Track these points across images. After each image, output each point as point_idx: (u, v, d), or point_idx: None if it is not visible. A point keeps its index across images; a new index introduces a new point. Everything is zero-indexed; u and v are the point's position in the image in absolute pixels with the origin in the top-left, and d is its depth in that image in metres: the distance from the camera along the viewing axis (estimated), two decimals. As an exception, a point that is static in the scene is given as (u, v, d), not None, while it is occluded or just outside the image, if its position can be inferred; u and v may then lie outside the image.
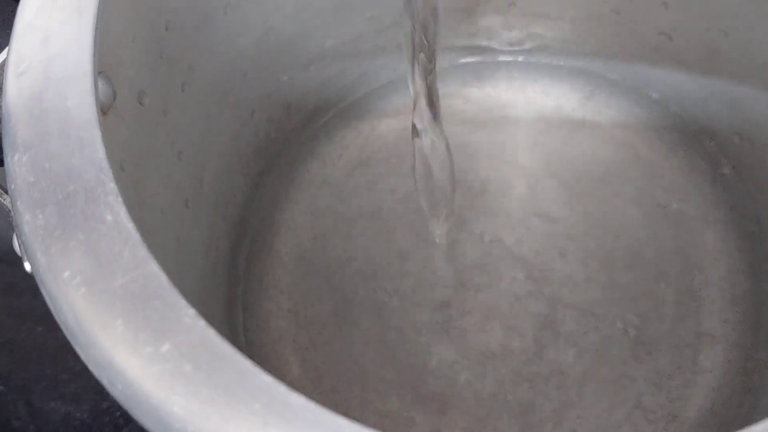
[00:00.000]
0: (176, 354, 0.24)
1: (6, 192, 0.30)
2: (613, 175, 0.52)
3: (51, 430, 0.49)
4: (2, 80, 0.30)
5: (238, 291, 0.50)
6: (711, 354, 0.47)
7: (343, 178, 0.53)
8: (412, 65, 0.41)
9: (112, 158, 0.29)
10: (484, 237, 0.50)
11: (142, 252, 0.26)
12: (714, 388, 0.46)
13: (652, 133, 0.53)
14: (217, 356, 0.24)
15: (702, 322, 0.48)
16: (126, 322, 0.25)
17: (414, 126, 0.44)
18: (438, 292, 0.49)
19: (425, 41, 0.40)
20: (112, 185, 0.26)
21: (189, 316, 0.25)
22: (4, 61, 0.30)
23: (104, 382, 0.25)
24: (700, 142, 0.52)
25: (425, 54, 0.41)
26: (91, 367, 0.25)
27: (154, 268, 0.25)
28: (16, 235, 0.27)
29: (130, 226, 0.26)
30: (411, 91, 0.43)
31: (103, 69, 0.32)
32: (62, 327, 0.25)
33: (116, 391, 0.25)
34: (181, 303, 0.25)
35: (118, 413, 0.49)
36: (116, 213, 0.26)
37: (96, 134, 0.28)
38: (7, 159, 0.28)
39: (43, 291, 0.26)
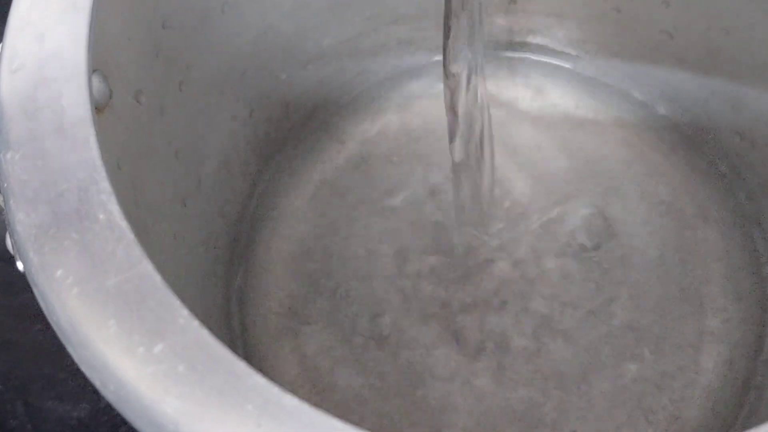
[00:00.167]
0: (170, 355, 0.24)
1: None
2: (614, 174, 0.52)
3: (48, 429, 0.49)
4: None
5: (237, 290, 0.50)
6: (713, 353, 0.47)
7: (342, 177, 0.53)
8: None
9: (108, 157, 0.29)
10: (483, 235, 0.50)
11: (136, 251, 0.25)
12: (716, 388, 0.46)
13: (653, 132, 0.53)
14: (210, 357, 0.24)
15: (704, 322, 0.47)
16: (119, 323, 0.25)
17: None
18: (438, 291, 0.49)
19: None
20: (105, 184, 0.26)
21: (183, 316, 0.24)
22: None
23: (97, 383, 0.25)
24: (700, 141, 0.52)
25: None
26: (84, 368, 0.25)
27: (147, 267, 0.25)
28: (9, 233, 0.27)
29: (123, 224, 0.26)
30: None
31: (99, 67, 0.32)
32: (54, 327, 0.25)
33: (109, 392, 0.24)
34: (175, 303, 0.25)
35: (116, 413, 0.49)
36: (109, 212, 0.26)
37: (90, 132, 0.27)
38: (0, 157, 0.27)
39: (35, 290, 0.26)
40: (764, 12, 0.44)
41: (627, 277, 0.49)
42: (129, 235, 0.26)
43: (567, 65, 0.54)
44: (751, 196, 0.50)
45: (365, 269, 0.50)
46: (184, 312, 0.24)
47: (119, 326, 0.24)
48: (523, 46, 0.55)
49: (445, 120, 0.53)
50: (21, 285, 0.27)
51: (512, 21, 0.53)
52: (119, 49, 0.34)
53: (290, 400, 0.23)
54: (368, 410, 0.46)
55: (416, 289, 0.49)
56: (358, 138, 0.54)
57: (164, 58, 0.39)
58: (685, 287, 0.48)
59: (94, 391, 0.49)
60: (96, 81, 0.31)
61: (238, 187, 0.50)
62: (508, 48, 0.55)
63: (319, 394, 0.47)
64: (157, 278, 0.25)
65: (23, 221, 0.26)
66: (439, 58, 0.54)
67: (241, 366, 0.24)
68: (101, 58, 0.32)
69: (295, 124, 0.53)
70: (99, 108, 0.31)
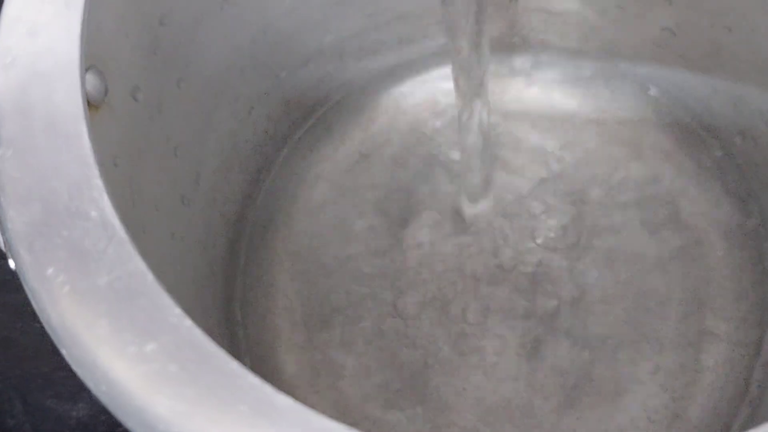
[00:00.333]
0: (161, 354, 0.24)
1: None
2: (615, 172, 0.51)
3: (47, 428, 0.49)
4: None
5: (236, 288, 0.50)
6: (714, 353, 0.46)
7: (342, 175, 0.53)
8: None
9: (104, 154, 0.29)
10: (482, 233, 0.50)
11: (128, 249, 0.25)
12: (717, 387, 0.46)
13: (656, 130, 0.53)
14: (202, 356, 0.24)
15: (705, 321, 0.47)
16: (110, 322, 0.24)
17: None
18: (438, 290, 0.49)
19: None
20: (97, 181, 0.26)
21: (174, 315, 0.24)
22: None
23: (88, 382, 0.24)
24: (703, 139, 0.52)
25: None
26: (75, 368, 0.24)
27: (139, 265, 0.25)
28: (0, 231, 0.27)
29: (115, 222, 0.26)
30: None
31: (95, 63, 0.31)
32: (46, 326, 0.25)
33: (101, 392, 0.24)
34: (167, 302, 0.24)
35: (114, 412, 0.49)
36: (101, 209, 0.26)
37: (83, 129, 0.27)
38: (-9, 154, 0.27)
39: (26, 289, 0.26)
40: (766, 10, 0.44)
41: (627, 277, 0.48)
42: (121, 233, 0.25)
43: (568, 63, 0.54)
44: (752, 195, 0.50)
45: (366, 268, 0.50)
46: (176, 311, 0.24)
47: (110, 325, 0.24)
48: (524, 43, 0.54)
49: (447, 118, 0.53)
50: (19, 282, 0.27)
51: (513, 18, 0.53)
52: (115, 45, 0.34)
53: (283, 400, 0.23)
54: (368, 409, 0.46)
55: (416, 288, 0.49)
56: (359, 136, 0.54)
57: (162, 55, 0.39)
58: (685, 287, 0.48)
59: (92, 390, 0.49)
60: (92, 77, 0.31)
61: (237, 186, 0.50)
62: (508, 46, 0.55)
63: (319, 394, 0.47)
64: (149, 277, 0.25)
65: (14, 219, 0.26)
66: (440, 56, 0.54)
67: (233, 365, 0.23)
68: (97, 54, 0.32)
69: (295, 123, 0.53)
70: (95, 104, 0.31)
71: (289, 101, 0.52)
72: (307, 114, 0.54)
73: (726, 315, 0.47)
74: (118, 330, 0.24)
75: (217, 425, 0.23)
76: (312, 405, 0.46)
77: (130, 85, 0.36)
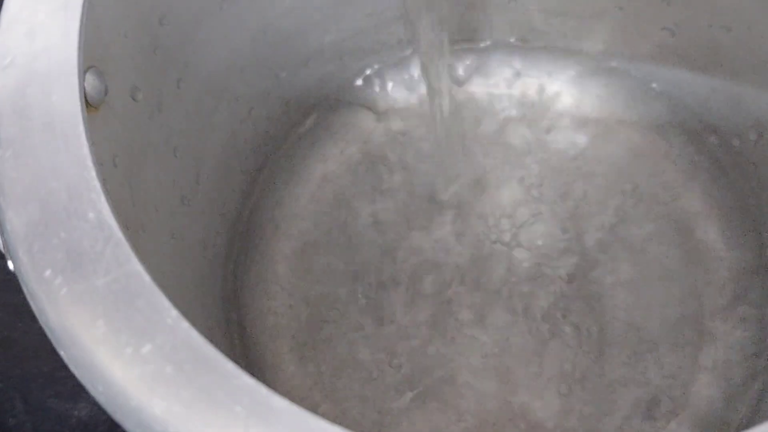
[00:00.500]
0: (158, 355, 0.24)
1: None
2: (615, 172, 0.51)
3: (47, 427, 0.49)
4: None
5: (235, 288, 0.49)
6: (712, 353, 0.46)
7: (342, 175, 0.53)
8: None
9: (103, 154, 0.29)
10: (482, 231, 0.50)
11: (125, 251, 0.25)
12: (716, 387, 0.46)
13: (655, 130, 0.53)
14: (198, 358, 0.24)
15: (704, 321, 0.47)
16: (107, 323, 0.24)
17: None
18: (438, 289, 0.49)
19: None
20: (95, 182, 0.26)
21: (171, 316, 0.24)
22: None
23: (86, 383, 0.24)
24: (702, 139, 0.52)
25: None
26: (73, 368, 0.25)
27: (136, 267, 0.25)
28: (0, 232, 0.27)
29: (113, 223, 0.26)
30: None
31: (94, 64, 0.31)
32: (44, 327, 0.25)
33: (98, 393, 0.24)
34: (164, 303, 0.25)
35: (115, 411, 0.49)
36: (99, 211, 0.26)
37: (81, 130, 0.27)
38: (-10, 155, 0.27)
39: (24, 290, 0.26)
40: (765, 10, 0.44)
41: (627, 277, 0.48)
42: (118, 234, 0.25)
43: (568, 63, 0.54)
44: (752, 194, 0.50)
45: (365, 267, 0.50)
46: (173, 312, 0.24)
47: (108, 326, 0.24)
48: (524, 44, 0.54)
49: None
50: (20, 282, 0.27)
51: (513, 19, 0.53)
52: (115, 45, 0.34)
53: (279, 401, 0.23)
54: (368, 409, 0.46)
55: (416, 287, 0.49)
56: (359, 136, 0.54)
57: (161, 55, 0.39)
58: (685, 287, 0.48)
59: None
60: (91, 77, 0.31)
61: (237, 186, 0.50)
62: (508, 46, 0.55)
63: (318, 393, 0.47)
64: (146, 278, 0.25)
65: (13, 220, 0.26)
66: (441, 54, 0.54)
67: (229, 366, 0.24)
68: (96, 54, 0.32)
69: (295, 122, 0.53)
70: (95, 105, 0.31)
71: (289, 101, 0.52)
72: (307, 114, 0.54)
73: (725, 315, 0.47)
74: (115, 331, 0.24)
75: (212, 426, 0.23)
76: (310, 406, 0.46)
77: (130, 85, 0.36)
